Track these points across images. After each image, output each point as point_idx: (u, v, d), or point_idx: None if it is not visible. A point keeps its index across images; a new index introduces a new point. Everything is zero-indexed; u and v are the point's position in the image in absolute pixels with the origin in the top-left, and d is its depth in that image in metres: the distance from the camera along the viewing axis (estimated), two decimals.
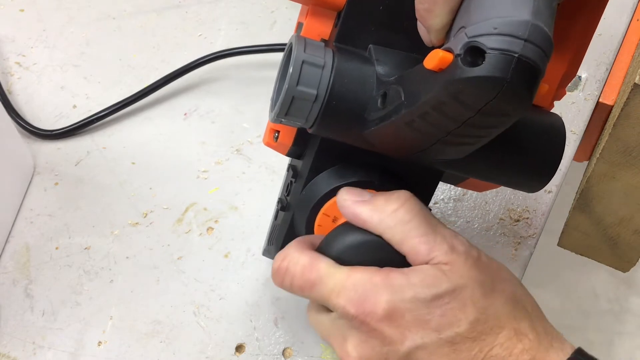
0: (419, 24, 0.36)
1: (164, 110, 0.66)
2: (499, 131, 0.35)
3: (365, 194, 0.41)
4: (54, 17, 0.73)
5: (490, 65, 0.31)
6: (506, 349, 0.37)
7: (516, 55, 0.31)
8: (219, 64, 0.68)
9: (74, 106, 0.66)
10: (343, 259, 0.40)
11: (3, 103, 0.64)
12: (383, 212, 0.39)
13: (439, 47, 0.34)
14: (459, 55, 0.32)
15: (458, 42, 0.32)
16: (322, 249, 0.42)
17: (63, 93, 0.67)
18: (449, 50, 0.32)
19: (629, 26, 0.72)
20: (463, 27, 0.32)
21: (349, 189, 0.41)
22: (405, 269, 0.39)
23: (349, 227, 0.41)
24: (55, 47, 0.71)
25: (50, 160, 0.62)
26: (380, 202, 0.40)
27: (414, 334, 0.37)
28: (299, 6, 0.43)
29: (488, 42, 0.31)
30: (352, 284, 0.39)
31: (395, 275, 0.38)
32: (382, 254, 0.40)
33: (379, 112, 0.38)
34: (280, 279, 0.42)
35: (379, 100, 0.38)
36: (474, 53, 0.31)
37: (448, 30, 0.35)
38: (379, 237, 0.40)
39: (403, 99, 0.36)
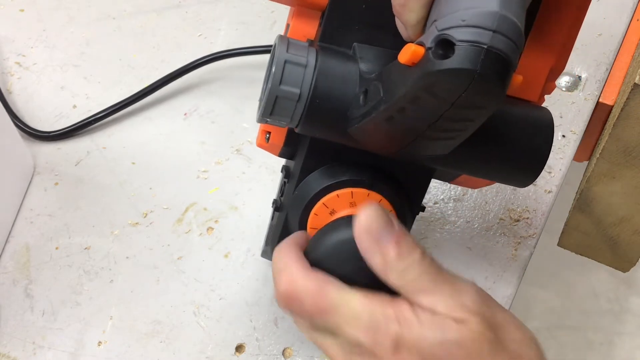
0: (396, 19, 0.37)
1: (164, 110, 0.66)
2: (477, 124, 0.35)
3: (384, 233, 0.38)
4: (54, 17, 0.73)
5: (460, 57, 0.31)
6: None
7: (485, 46, 0.31)
8: (219, 64, 0.68)
9: (74, 106, 0.66)
10: (338, 255, 0.40)
11: (3, 104, 0.64)
12: (393, 264, 0.38)
13: None
14: (430, 48, 0.32)
15: (429, 36, 0.32)
16: (315, 243, 0.41)
17: (63, 93, 0.67)
18: (421, 44, 0.33)
19: (629, 26, 0.72)
20: (435, 20, 0.33)
21: (368, 216, 0.38)
22: (416, 307, 0.38)
23: (348, 221, 0.41)
24: (55, 47, 0.71)
25: (50, 160, 0.62)
26: (392, 253, 0.38)
27: None
28: None
29: (457, 34, 0.31)
30: (366, 314, 0.38)
31: (406, 309, 0.38)
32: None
33: (361, 109, 0.38)
34: (285, 304, 0.40)
35: (361, 97, 0.38)
36: (444, 46, 0.32)
37: (424, 25, 0.35)
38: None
39: (382, 94, 0.36)
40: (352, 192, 0.43)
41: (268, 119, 0.40)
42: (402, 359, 0.37)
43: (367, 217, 0.38)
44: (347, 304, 0.39)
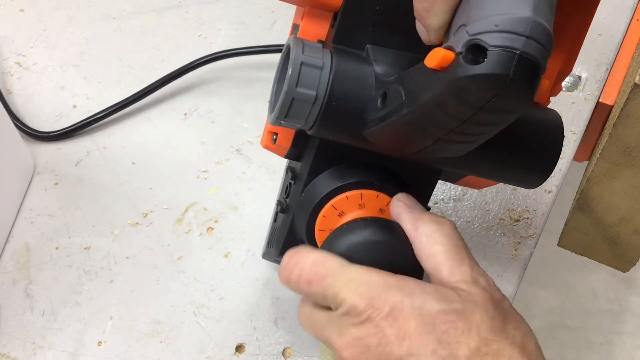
0: (417, 23, 0.36)
1: (164, 110, 0.66)
2: (500, 128, 0.35)
3: (418, 207, 0.43)
4: (54, 17, 0.73)
5: (493, 62, 0.31)
6: None
7: (518, 52, 0.31)
8: (219, 64, 0.68)
9: (74, 106, 0.66)
10: (352, 256, 0.40)
11: (3, 104, 0.64)
12: (425, 225, 0.41)
13: (438, 45, 0.34)
14: (460, 53, 0.32)
15: (459, 40, 0.32)
16: (328, 244, 0.42)
17: (63, 93, 0.67)
18: (450, 48, 0.32)
19: (629, 26, 0.72)
20: (463, 25, 0.32)
21: (408, 196, 0.43)
22: (422, 281, 0.39)
23: (362, 224, 0.41)
24: (55, 47, 0.71)
25: (50, 160, 0.62)
26: (427, 217, 0.42)
27: (412, 341, 0.37)
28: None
29: (489, 40, 0.31)
30: (366, 281, 0.38)
31: (410, 281, 0.38)
32: (394, 257, 0.40)
33: (379, 112, 0.38)
34: (287, 272, 0.41)
35: (379, 100, 0.38)
36: (476, 51, 0.31)
37: (447, 29, 0.35)
38: (397, 240, 0.41)
39: (404, 98, 0.36)
40: (361, 193, 0.43)
41: (283, 121, 0.40)
42: (397, 325, 0.37)
43: (404, 195, 0.43)
44: (346, 271, 0.39)
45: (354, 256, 0.40)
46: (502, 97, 0.32)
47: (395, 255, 0.40)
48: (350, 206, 0.43)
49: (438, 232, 0.41)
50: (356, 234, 0.41)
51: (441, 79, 0.33)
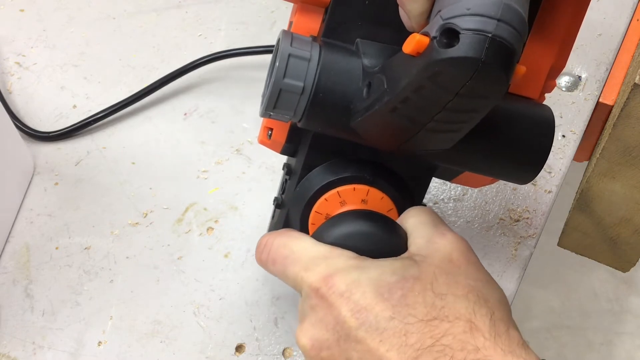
0: (400, 9, 0.37)
1: (164, 110, 0.66)
2: (480, 116, 0.36)
3: None
4: (54, 17, 0.73)
5: (465, 45, 0.31)
6: (459, 341, 0.36)
7: (489, 35, 0.31)
8: (219, 64, 0.68)
9: (74, 106, 0.66)
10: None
11: (3, 104, 0.64)
12: (403, 216, 0.44)
13: None
14: (435, 37, 0.32)
15: (434, 25, 0.33)
16: (318, 235, 0.42)
17: (63, 93, 0.67)
18: (425, 34, 0.33)
19: (629, 26, 0.72)
20: (439, 10, 0.33)
21: None
22: (381, 259, 0.39)
23: (350, 215, 0.42)
24: (55, 47, 0.71)
25: (50, 160, 0.62)
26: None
27: (367, 313, 0.37)
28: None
29: (462, 23, 0.31)
30: (326, 262, 0.39)
31: (368, 260, 0.39)
32: (378, 247, 0.40)
33: (365, 102, 0.38)
34: (259, 253, 0.43)
35: (365, 91, 0.39)
36: (449, 35, 0.32)
37: (428, 16, 0.35)
38: (383, 231, 0.41)
39: (385, 86, 0.36)
40: (354, 188, 0.43)
41: (271, 113, 0.40)
42: (353, 301, 0.37)
43: None
44: (307, 250, 0.40)
45: (351, 242, 0.41)
46: (476, 81, 0.32)
47: (379, 246, 0.41)
48: (343, 200, 0.43)
49: (411, 212, 0.42)
50: (343, 225, 0.41)
51: (417, 64, 0.33)
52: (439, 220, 0.42)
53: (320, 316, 0.38)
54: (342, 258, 0.39)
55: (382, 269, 0.38)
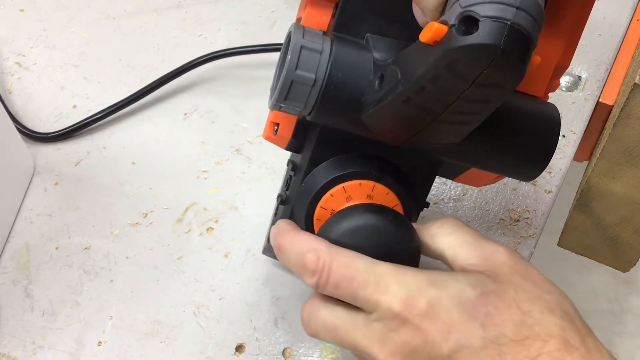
0: (414, 5, 0.37)
1: (164, 110, 0.66)
2: (493, 107, 0.36)
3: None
4: (54, 17, 0.73)
5: (484, 32, 0.31)
6: (554, 359, 0.35)
7: (508, 22, 0.31)
8: (218, 64, 0.68)
9: (74, 106, 0.66)
10: (347, 241, 0.40)
11: (2, 104, 0.64)
12: (426, 228, 0.42)
13: None
14: (453, 25, 0.32)
15: (453, 13, 0.33)
16: (325, 231, 0.42)
17: (63, 93, 0.67)
18: (443, 22, 0.33)
19: (629, 26, 0.72)
20: (457, 0, 0.33)
21: None
22: (449, 271, 0.39)
23: (359, 209, 0.42)
24: (55, 47, 0.71)
25: (50, 160, 0.62)
26: (427, 223, 0.43)
27: (458, 333, 0.36)
28: (298, 6, 0.43)
29: (481, 10, 0.31)
30: (397, 281, 0.37)
31: (440, 274, 0.38)
32: (391, 242, 0.40)
33: (377, 94, 0.38)
34: (310, 273, 0.39)
35: (377, 83, 0.39)
36: (468, 22, 0.32)
37: (442, 11, 0.35)
38: (394, 225, 0.41)
39: (400, 77, 0.36)
40: (360, 183, 0.43)
41: (282, 105, 0.40)
42: (440, 321, 0.36)
43: None
44: (375, 271, 0.38)
45: (349, 240, 0.40)
46: (493, 69, 0.32)
47: (393, 240, 0.41)
48: (349, 195, 0.43)
49: (445, 225, 0.41)
50: (353, 218, 0.41)
51: (434, 52, 0.33)
52: (478, 233, 0.41)
53: (405, 339, 0.37)
54: (409, 274, 0.38)
55: (459, 283, 0.37)
